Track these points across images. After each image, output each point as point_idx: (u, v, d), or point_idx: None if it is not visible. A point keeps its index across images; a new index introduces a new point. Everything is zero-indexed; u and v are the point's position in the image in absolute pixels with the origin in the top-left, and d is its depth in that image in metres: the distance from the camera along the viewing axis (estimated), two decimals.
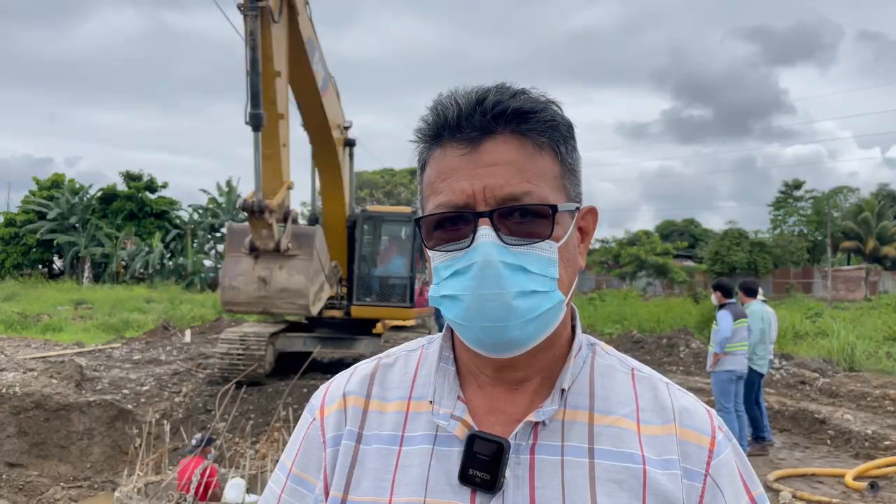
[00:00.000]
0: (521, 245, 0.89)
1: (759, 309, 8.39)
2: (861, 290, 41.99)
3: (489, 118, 0.89)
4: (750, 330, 8.05)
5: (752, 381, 8.25)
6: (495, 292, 0.87)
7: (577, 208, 0.96)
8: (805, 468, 7.75)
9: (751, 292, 8.63)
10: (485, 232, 0.88)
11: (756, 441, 8.35)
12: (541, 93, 0.94)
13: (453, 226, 0.91)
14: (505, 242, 0.88)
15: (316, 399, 1.06)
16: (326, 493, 0.97)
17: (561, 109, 0.95)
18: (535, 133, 0.91)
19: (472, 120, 0.90)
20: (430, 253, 0.93)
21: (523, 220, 0.89)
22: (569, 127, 0.95)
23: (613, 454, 0.91)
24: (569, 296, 0.94)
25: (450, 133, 0.91)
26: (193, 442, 6.76)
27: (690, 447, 0.94)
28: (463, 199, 0.89)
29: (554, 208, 0.90)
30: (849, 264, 50.36)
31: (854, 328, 18.89)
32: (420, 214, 0.96)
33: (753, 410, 8.34)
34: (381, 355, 1.08)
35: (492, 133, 0.90)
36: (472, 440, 0.91)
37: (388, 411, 0.99)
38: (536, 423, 0.93)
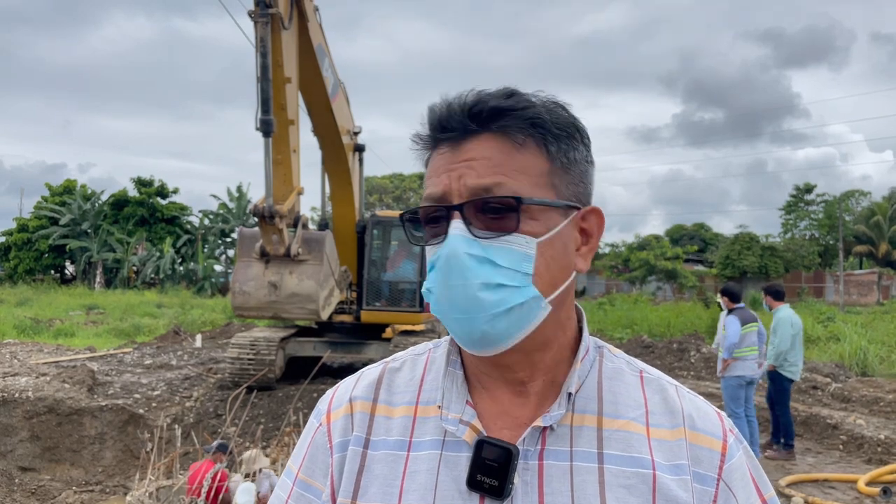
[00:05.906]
0: (490, 238, 0.89)
1: (787, 315, 8.04)
2: (873, 295, 41.67)
3: (465, 117, 0.92)
4: (761, 334, 7.98)
5: (785, 388, 8.15)
6: (459, 283, 0.89)
7: (571, 206, 0.94)
8: (817, 473, 7.69)
9: (779, 296, 8.27)
10: (455, 225, 0.90)
11: (785, 448, 8.30)
12: (547, 96, 0.95)
13: (435, 223, 0.93)
14: (475, 236, 0.89)
15: (322, 404, 1.06)
16: (333, 499, 0.96)
17: (565, 110, 0.95)
18: (513, 130, 0.91)
19: (452, 121, 0.93)
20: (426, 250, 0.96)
21: (495, 214, 0.90)
22: (566, 126, 0.94)
23: (623, 459, 0.91)
24: (553, 295, 0.92)
25: (437, 135, 0.95)
26: (215, 443, 6.79)
27: (702, 451, 0.93)
28: (440, 192, 0.92)
29: (518, 200, 0.89)
30: (861, 268, 49.93)
31: (866, 332, 18.73)
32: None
33: (787, 416, 8.27)
34: (387, 360, 1.08)
35: (473, 132, 0.92)
36: (481, 446, 0.91)
37: (396, 416, 0.99)
38: (544, 428, 0.92)
